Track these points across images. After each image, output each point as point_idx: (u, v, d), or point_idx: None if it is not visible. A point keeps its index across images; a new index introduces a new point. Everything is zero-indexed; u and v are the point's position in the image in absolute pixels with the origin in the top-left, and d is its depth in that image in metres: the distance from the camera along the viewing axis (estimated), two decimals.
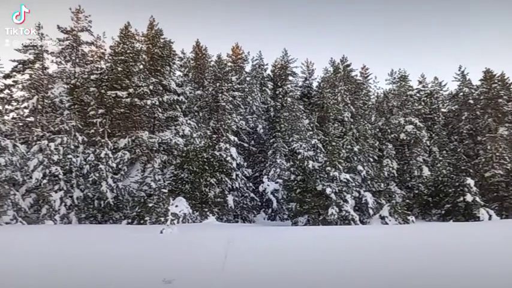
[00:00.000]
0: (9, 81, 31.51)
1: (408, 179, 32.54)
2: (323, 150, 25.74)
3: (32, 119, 30.69)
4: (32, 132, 27.44)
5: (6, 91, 31.45)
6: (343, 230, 16.47)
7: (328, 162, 22.68)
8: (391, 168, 30.66)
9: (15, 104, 31.51)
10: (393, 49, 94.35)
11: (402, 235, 14.57)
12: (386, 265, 7.76)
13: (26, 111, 31.24)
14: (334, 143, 25.12)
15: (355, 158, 27.65)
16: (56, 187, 21.14)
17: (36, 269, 7.39)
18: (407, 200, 28.11)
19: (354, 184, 23.83)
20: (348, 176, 22.99)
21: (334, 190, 21.47)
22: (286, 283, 6.53)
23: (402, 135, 33.67)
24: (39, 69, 31.48)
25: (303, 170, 23.04)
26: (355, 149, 28.05)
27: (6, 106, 31.17)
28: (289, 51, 44.93)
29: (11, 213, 18.52)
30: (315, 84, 43.59)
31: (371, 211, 23.98)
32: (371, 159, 29.26)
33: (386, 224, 22.31)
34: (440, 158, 32.85)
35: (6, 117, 28.90)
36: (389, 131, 35.02)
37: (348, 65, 42.68)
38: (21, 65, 31.40)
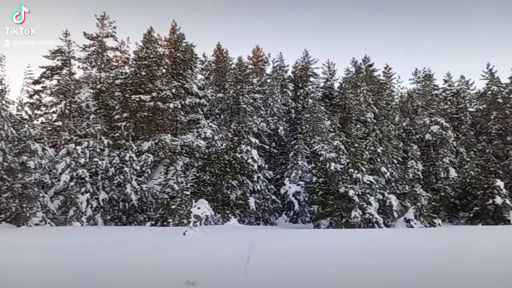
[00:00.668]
0: (38, 87, 32.79)
1: (434, 181, 31.64)
2: (345, 151, 25.40)
3: (59, 123, 31.77)
4: (60, 136, 28.37)
5: (36, 96, 32.71)
6: (368, 233, 16.15)
7: (350, 164, 22.34)
8: (416, 170, 29.90)
9: (44, 109, 32.73)
10: (417, 48, 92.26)
11: (437, 238, 14.16)
12: (415, 269, 7.56)
13: (54, 115, 32.38)
14: (356, 145, 24.73)
15: (379, 160, 27.10)
16: (83, 189, 21.73)
17: (62, 270, 7.59)
18: (434, 203, 27.32)
19: (377, 186, 23.37)
20: (371, 178, 22.58)
21: (357, 192, 21.12)
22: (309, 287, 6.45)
23: (427, 136, 32.79)
24: (66, 75, 32.56)
25: (325, 172, 22.78)
26: (379, 150, 27.50)
27: (36, 111, 32.42)
28: (310, 52, 44.61)
29: (40, 214, 19.14)
30: (336, 85, 43.17)
31: (395, 214, 23.46)
32: (395, 161, 28.62)
33: (412, 227, 21.77)
34: (468, 159, 31.79)
35: (35, 122, 30.06)
36: (414, 131, 34.18)
37: (371, 65, 42.03)
38: (49, 71, 32.59)
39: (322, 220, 22.53)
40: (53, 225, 19.39)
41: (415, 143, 32.57)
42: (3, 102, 21.11)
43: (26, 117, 30.26)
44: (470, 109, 40.32)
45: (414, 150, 31.04)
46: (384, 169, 26.46)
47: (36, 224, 18.61)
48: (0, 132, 19.03)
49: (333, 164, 22.46)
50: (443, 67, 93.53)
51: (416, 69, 40.11)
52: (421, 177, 30.45)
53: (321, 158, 23.40)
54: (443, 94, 39.20)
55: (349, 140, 26.49)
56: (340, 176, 21.97)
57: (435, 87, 38.00)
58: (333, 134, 30.12)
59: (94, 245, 11.04)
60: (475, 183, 28.13)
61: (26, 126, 21.07)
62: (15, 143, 19.95)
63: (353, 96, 35.31)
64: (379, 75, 43.28)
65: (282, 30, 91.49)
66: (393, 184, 26.61)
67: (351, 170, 22.02)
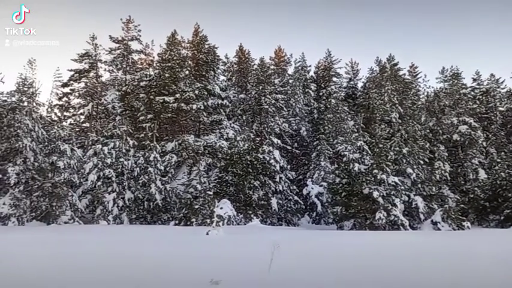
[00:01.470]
0: (66, 90, 33.93)
1: (462, 182, 30.62)
2: (369, 152, 24.94)
3: (87, 124, 32.75)
4: (87, 137, 29.22)
5: (65, 99, 33.85)
6: (393, 235, 15.81)
7: (375, 165, 21.92)
8: (443, 171, 29.02)
9: (72, 110, 33.84)
10: (444, 46, 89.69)
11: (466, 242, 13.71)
12: (444, 273, 7.34)
13: (82, 117, 33.43)
14: (381, 145, 24.24)
15: (404, 161, 26.45)
16: (109, 189, 22.26)
17: (91, 267, 7.80)
18: (462, 205, 26.41)
19: (403, 187, 22.81)
20: (396, 179, 22.06)
21: (381, 194, 20.69)
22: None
23: (455, 136, 31.80)
24: (93, 78, 33.55)
25: (348, 173, 22.46)
26: (404, 150, 26.85)
27: (65, 113, 33.54)
28: (333, 52, 44.19)
29: (68, 213, 19.73)
30: (360, 84, 42.59)
31: (422, 216, 22.82)
32: (421, 162, 27.86)
33: (439, 229, 21.12)
34: (499, 160, 30.58)
35: (64, 123, 31.07)
36: (440, 131, 33.22)
37: (395, 64, 41.19)
38: (77, 74, 33.67)
39: (345, 221, 22.22)
40: (81, 224, 19.95)
41: (442, 144, 31.63)
42: (34, 104, 21.89)
43: (56, 118, 31.33)
44: (500, 108, 38.86)
45: (441, 151, 30.16)
46: (409, 170, 25.82)
47: (65, 222, 19.18)
48: (31, 133, 19.73)
49: (356, 164, 22.11)
50: (472, 65, 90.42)
51: (444, 68, 38.98)
52: (449, 178, 29.54)
53: (344, 159, 23.07)
54: (472, 93, 37.95)
55: (373, 141, 26.01)
56: (364, 177, 21.59)
57: (463, 86, 36.81)
58: (357, 134, 29.66)
59: (120, 243, 11.29)
60: (506, 185, 27.02)
61: (56, 127, 21.75)
62: (46, 143, 20.64)
63: (377, 95, 34.68)
64: (404, 74, 42.35)
65: (304, 31, 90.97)
66: (419, 185, 25.92)
67: (375, 170, 21.61)
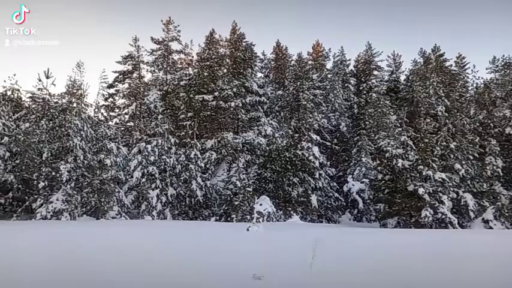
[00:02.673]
0: (112, 91, 35.46)
1: None
2: (414, 147, 23.93)
3: (131, 123, 34.06)
4: (131, 136, 30.42)
5: (110, 99, 35.40)
6: (443, 234, 15.07)
7: (420, 161, 21.04)
8: (495, 167, 27.23)
9: (117, 110, 35.31)
10: (494, 34, 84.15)
11: None
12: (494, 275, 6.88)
13: (127, 116, 34.82)
14: (426, 140, 23.19)
15: (452, 156, 25.15)
16: (153, 185, 23.05)
17: (138, 261, 8.08)
18: None
19: (450, 184, 21.73)
20: (443, 175, 21.05)
21: (427, 190, 19.84)
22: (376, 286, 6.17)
23: (508, 130, 29.73)
24: (136, 79, 34.79)
25: (391, 169, 21.72)
26: (452, 145, 25.52)
27: (111, 113, 35.10)
28: (374, 44, 42.80)
29: (116, 208, 20.63)
30: (402, 77, 40.91)
31: (472, 214, 21.64)
32: (471, 157, 26.34)
33: (491, 228, 19.96)
34: None
35: (110, 123, 32.54)
36: (492, 125, 31.19)
37: (441, 55, 39.13)
38: (121, 76, 35.07)
39: (389, 219, 21.57)
40: (127, 219, 20.80)
41: (494, 138, 29.67)
42: (83, 105, 23.08)
43: (102, 118, 32.85)
44: None
45: (493, 145, 28.31)
46: (457, 166, 24.53)
47: (113, 217, 20.07)
48: (80, 132, 20.81)
49: (400, 160, 21.32)
50: None
51: (494, 57, 36.67)
52: (501, 174, 27.69)
53: (387, 155, 22.29)
54: None
55: (418, 135, 24.93)
56: (408, 173, 20.81)
57: None
58: (400, 129, 28.51)
59: (162, 236, 11.63)
60: None
61: (103, 127, 22.82)
62: (94, 142, 21.70)
63: (421, 88, 33.10)
64: (451, 66, 40.14)
65: (343, 24, 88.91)
66: (469, 182, 24.55)
67: (421, 166, 20.74)
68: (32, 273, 6.72)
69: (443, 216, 19.52)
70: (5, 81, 24.43)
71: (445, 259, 8.54)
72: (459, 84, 36.53)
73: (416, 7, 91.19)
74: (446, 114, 32.02)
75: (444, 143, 25.75)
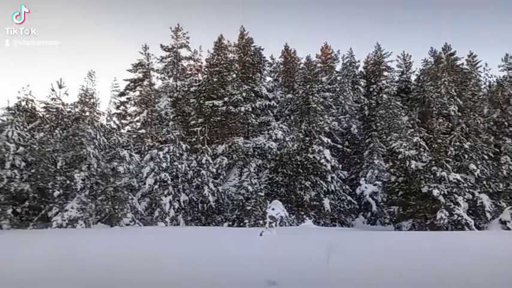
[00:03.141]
0: (123, 99, 35.92)
1: None
2: (427, 148, 23.63)
3: (143, 130, 34.40)
4: (143, 143, 30.72)
5: (122, 107, 35.85)
6: (457, 235, 14.82)
7: (433, 162, 20.73)
8: (511, 166, 26.73)
9: (129, 118, 35.73)
10: (506, 30, 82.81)
11: None
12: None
13: (138, 124, 35.18)
14: (439, 140, 22.85)
15: (466, 156, 24.76)
16: (166, 192, 23.19)
17: (153, 268, 8.12)
18: None
19: (466, 185, 21.37)
20: (458, 176, 20.69)
21: (442, 192, 19.51)
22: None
23: None
24: (147, 86, 35.20)
25: (404, 171, 21.44)
26: (466, 145, 25.14)
27: (122, 120, 35.53)
28: (383, 45, 42.51)
29: (129, 215, 20.81)
30: (413, 78, 40.53)
31: (488, 215, 21.22)
32: (486, 157, 25.89)
33: (508, 229, 19.51)
34: None
35: (122, 131, 32.92)
36: (506, 123, 30.64)
37: (452, 54, 38.66)
38: (132, 83, 35.52)
39: (403, 222, 21.28)
40: (141, 225, 20.96)
41: (509, 136, 29.14)
42: (95, 114, 23.42)
43: (115, 126, 33.26)
44: None
45: (508, 145, 27.79)
46: (472, 166, 24.13)
47: (127, 224, 20.24)
48: (94, 141, 21.10)
49: (413, 162, 21.05)
50: None
51: (507, 55, 36.08)
52: None
53: (400, 156, 22.03)
54: None
55: (430, 136, 24.61)
56: (422, 174, 20.51)
57: None
58: (412, 130, 28.18)
59: (178, 242, 11.68)
60: None
61: (115, 134, 23.10)
62: (107, 150, 21.97)
63: (433, 88, 32.75)
64: (462, 64, 39.62)
65: (351, 25, 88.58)
66: (484, 182, 24.10)
67: (435, 168, 20.44)
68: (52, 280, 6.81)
69: (459, 218, 19.17)
70: (19, 92, 24.97)
71: (466, 259, 8.38)
72: (471, 83, 36.04)
73: (424, 7, 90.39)
74: (459, 114, 31.59)
75: (458, 143, 25.38)
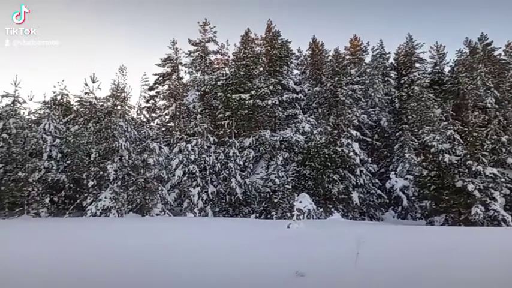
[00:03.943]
0: (153, 93, 36.68)
1: None
2: (461, 142, 22.74)
3: (172, 124, 35.03)
4: (172, 136, 31.28)
5: (151, 101, 36.62)
6: (499, 232, 14.19)
7: (469, 155, 19.93)
8: None
9: (158, 111, 36.47)
10: None
11: None
12: None
13: (167, 117, 35.86)
14: (475, 134, 21.91)
15: (504, 150, 23.68)
16: (194, 183, 23.58)
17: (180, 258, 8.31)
18: None
19: (503, 180, 20.40)
20: (495, 170, 19.79)
21: (477, 187, 18.75)
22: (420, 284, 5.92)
23: None
24: (175, 80, 35.74)
25: (437, 165, 20.74)
26: (503, 139, 24.04)
27: (152, 114, 36.31)
28: (415, 36, 41.10)
29: (159, 206, 21.31)
30: (447, 69, 38.99)
31: None
32: None
33: None
34: None
35: (152, 124, 33.66)
36: None
37: (489, 44, 36.93)
38: (161, 78, 36.17)
39: (435, 216, 20.65)
40: (170, 216, 21.43)
41: None
42: (126, 107, 24.02)
43: (145, 119, 34.06)
44: None
45: None
46: (510, 160, 23.08)
47: (157, 214, 20.76)
48: (125, 133, 21.69)
49: (446, 155, 20.31)
50: None
51: None
52: None
53: (432, 150, 21.29)
54: None
55: (465, 129, 23.63)
56: (456, 168, 19.78)
57: None
58: (446, 122, 27.12)
59: (207, 233, 11.86)
60: None
61: (145, 127, 23.65)
62: (137, 142, 22.53)
63: (468, 80, 31.43)
64: (500, 55, 37.74)
65: (381, 16, 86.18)
66: None
67: (470, 162, 19.65)
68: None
69: (496, 214, 18.38)
70: (54, 86, 26.02)
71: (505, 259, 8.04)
72: (510, 74, 34.32)
73: None
74: (497, 106, 30.21)
75: (495, 137, 24.32)
